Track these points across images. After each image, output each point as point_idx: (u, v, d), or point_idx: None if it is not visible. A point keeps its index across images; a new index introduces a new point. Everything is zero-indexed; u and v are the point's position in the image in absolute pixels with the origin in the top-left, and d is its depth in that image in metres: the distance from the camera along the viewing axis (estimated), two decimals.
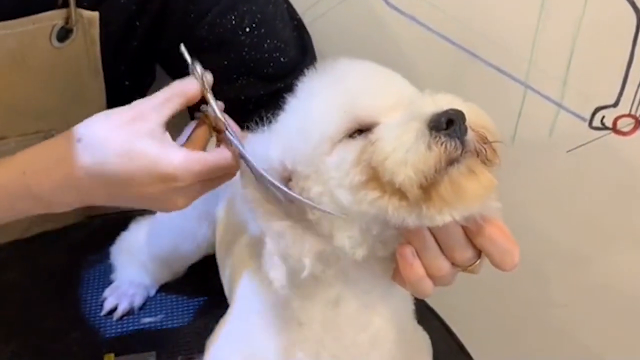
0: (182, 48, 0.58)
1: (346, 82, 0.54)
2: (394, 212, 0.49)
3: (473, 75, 0.84)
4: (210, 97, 0.57)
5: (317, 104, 0.54)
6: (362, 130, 0.52)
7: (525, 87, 0.84)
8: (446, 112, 0.47)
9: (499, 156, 0.50)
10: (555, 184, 0.91)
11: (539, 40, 0.81)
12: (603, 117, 0.83)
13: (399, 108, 0.51)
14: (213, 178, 0.57)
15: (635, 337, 1.01)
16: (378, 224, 0.52)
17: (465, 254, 0.52)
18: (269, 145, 0.56)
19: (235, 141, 0.56)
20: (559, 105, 0.84)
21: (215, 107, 0.58)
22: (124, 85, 0.77)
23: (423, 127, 0.48)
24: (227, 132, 0.57)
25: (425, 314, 0.62)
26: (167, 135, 0.55)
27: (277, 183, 0.54)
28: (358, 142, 0.51)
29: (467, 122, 0.48)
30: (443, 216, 0.48)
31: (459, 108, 0.48)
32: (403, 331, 0.62)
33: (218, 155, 0.56)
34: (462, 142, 0.47)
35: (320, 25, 0.81)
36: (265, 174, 0.54)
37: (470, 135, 0.48)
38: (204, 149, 0.59)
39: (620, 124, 0.84)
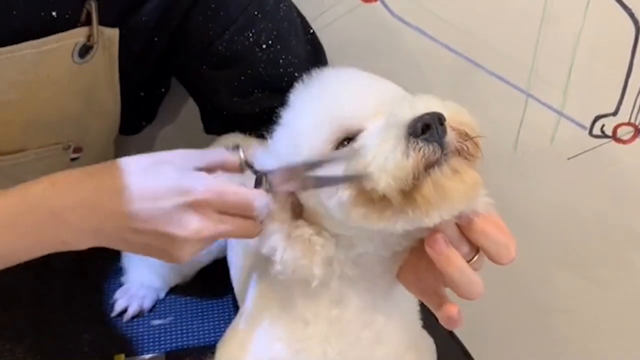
0: (240, 151, 0.56)
1: (328, 92, 0.55)
2: (382, 221, 0.50)
3: (475, 84, 0.85)
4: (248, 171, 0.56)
5: (302, 117, 0.55)
6: (350, 138, 0.52)
7: (527, 96, 0.85)
8: (422, 117, 0.47)
9: (481, 150, 0.50)
10: (556, 190, 0.91)
11: (540, 49, 0.82)
12: (603, 125, 0.84)
13: (382, 112, 0.51)
14: (232, 214, 0.55)
15: (638, 342, 1.01)
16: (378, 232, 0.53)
17: (461, 249, 0.52)
18: (266, 161, 0.56)
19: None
20: (560, 113, 0.85)
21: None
22: (139, 96, 0.78)
23: (400, 134, 0.48)
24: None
25: (430, 319, 0.63)
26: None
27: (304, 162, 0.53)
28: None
29: (447, 122, 0.48)
30: (431, 218, 0.49)
31: (437, 110, 0.48)
32: (408, 331, 0.62)
33: (245, 189, 0.55)
34: (442, 144, 0.48)
35: (326, 35, 0.82)
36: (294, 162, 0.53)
37: (450, 136, 0.48)
38: None
39: (620, 132, 0.84)
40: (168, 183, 0.52)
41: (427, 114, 0.48)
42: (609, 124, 0.84)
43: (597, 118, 0.84)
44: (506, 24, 0.81)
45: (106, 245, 0.56)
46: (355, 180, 0.50)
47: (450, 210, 0.49)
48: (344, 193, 0.51)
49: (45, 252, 0.55)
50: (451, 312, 0.53)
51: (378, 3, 0.82)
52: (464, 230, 0.52)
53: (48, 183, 0.53)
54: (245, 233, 0.56)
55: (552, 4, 0.79)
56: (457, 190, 0.48)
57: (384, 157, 0.48)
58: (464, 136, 0.49)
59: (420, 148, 0.47)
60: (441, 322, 0.55)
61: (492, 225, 0.52)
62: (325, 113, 0.53)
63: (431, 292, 0.55)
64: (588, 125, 0.85)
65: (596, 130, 0.85)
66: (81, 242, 0.55)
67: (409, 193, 0.48)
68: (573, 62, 0.82)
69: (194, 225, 0.53)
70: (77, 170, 0.55)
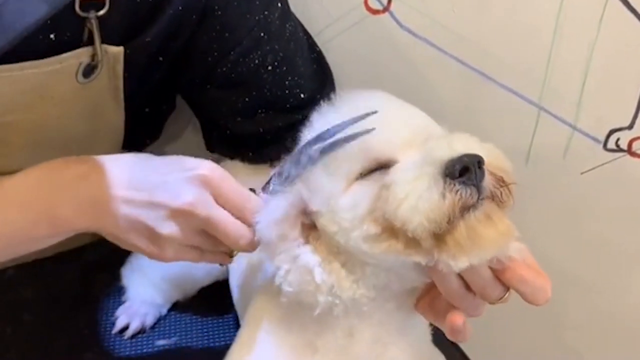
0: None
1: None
2: (407, 259, 0.49)
3: (487, 97, 0.84)
4: None
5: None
6: (380, 168, 0.51)
7: (539, 109, 0.84)
8: (460, 159, 0.46)
9: (513, 198, 0.49)
10: (570, 205, 0.90)
11: (553, 62, 0.81)
12: (618, 139, 0.83)
13: (415, 144, 0.51)
14: (227, 207, 0.55)
15: None
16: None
17: (495, 291, 0.51)
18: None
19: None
20: (573, 127, 0.84)
21: None
22: (143, 112, 0.77)
23: (437, 174, 0.47)
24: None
25: (439, 338, 0.62)
26: None
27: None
28: (372, 184, 0.50)
29: (485, 166, 0.47)
30: (459, 262, 0.47)
31: (476, 152, 0.47)
32: (420, 356, 0.61)
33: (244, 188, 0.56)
34: (478, 189, 0.46)
35: (333, 48, 0.81)
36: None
37: (487, 181, 0.47)
38: None
39: (635, 146, 0.83)
40: (170, 160, 0.54)
41: (467, 155, 0.46)
42: (624, 138, 0.83)
43: (611, 132, 0.83)
44: (518, 36, 0.80)
45: (98, 224, 0.57)
46: (358, 137, 0.50)
47: (480, 257, 0.48)
48: (370, 227, 0.49)
49: (47, 230, 0.56)
50: (455, 322, 0.52)
51: (386, 15, 0.81)
52: (498, 274, 0.51)
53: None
54: (234, 232, 0.55)
55: (566, 15, 0.77)
56: (490, 237, 0.47)
57: (418, 196, 0.47)
58: (501, 182, 0.48)
59: (458, 190, 0.46)
60: (446, 334, 0.53)
61: (528, 270, 0.50)
62: (357, 141, 0.52)
63: (444, 314, 0.54)
64: (602, 138, 0.84)
65: (611, 144, 0.84)
66: (79, 218, 0.56)
67: (441, 236, 0.47)
68: (587, 74, 0.80)
69: (188, 197, 0.53)
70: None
